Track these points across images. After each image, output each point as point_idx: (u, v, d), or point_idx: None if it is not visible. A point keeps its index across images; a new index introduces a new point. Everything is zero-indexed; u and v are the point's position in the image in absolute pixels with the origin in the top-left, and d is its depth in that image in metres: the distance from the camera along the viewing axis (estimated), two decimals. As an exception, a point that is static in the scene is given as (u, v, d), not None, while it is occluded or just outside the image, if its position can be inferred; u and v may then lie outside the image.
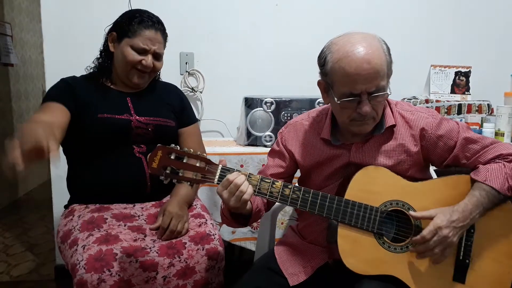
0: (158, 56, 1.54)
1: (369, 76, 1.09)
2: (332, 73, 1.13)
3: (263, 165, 1.93)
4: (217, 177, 1.12)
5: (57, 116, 1.40)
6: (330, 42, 1.16)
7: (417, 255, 1.15)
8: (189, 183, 1.12)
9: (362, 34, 1.13)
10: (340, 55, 1.10)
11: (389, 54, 1.14)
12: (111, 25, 1.56)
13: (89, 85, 1.52)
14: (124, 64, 1.51)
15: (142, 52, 1.50)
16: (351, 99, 1.12)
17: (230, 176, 1.10)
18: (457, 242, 1.15)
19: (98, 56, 1.59)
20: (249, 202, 1.19)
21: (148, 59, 1.50)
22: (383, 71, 1.10)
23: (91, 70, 1.59)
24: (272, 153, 1.38)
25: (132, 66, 1.50)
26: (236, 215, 1.22)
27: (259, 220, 1.49)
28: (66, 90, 1.48)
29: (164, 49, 1.58)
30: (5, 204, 3.64)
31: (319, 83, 1.22)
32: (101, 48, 1.58)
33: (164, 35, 1.56)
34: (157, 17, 1.55)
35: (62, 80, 1.54)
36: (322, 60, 1.16)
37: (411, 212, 1.16)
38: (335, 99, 1.15)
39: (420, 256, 1.14)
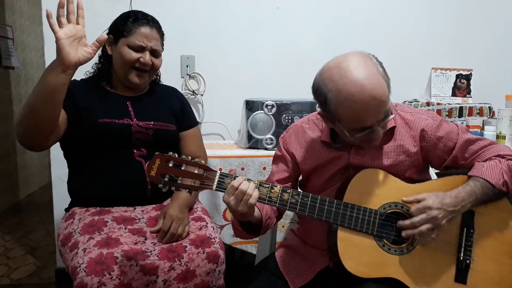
0: (156, 53, 1.53)
1: (377, 109, 1.07)
2: (338, 112, 1.10)
3: (264, 168, 1.93)
4: (215, 183, 1.12)
5: None
6: (324, 77, 1.10)
7: (403, 233, 1.14)
8: (187, 190, 1.12)
9: (355, 61, 1.07)
10: (344, 96, 1.05)
11: (385, 73, 1.10)
12: (107, 30, 1.56)
13: (89, 89, 1.52)
14: (123, 65, 1.50)
15: (139, 49, 1.49)
16: (364, 132, 1.11)
17: (235, 183, 1.10)
18: (446, 227, 1.14)
19: (97, 61, 1.58)
20: (257, 210, 1.18)
21: (146, 56, 1.50)
22: (387, 97, 1.08)
23: (90, 75, 1.59)
24: (275, 159, 1.38)
25: (130, 66, 1.50)
26: (246, 225, 1.22)
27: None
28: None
29: (162, 47, 1.58)
30: (5, 206, 3.63)
31: (321, 115, 1.20)
32: (99, 53, 1.57)
33: (160, 32, 1.56)
34: (151, 16, 1.55)
35: None
36: (322, 99, 1.11)
37: (407, 218, 1.15)
38: (346, 133, 1.13)
39: (405, 234, 1.14)
